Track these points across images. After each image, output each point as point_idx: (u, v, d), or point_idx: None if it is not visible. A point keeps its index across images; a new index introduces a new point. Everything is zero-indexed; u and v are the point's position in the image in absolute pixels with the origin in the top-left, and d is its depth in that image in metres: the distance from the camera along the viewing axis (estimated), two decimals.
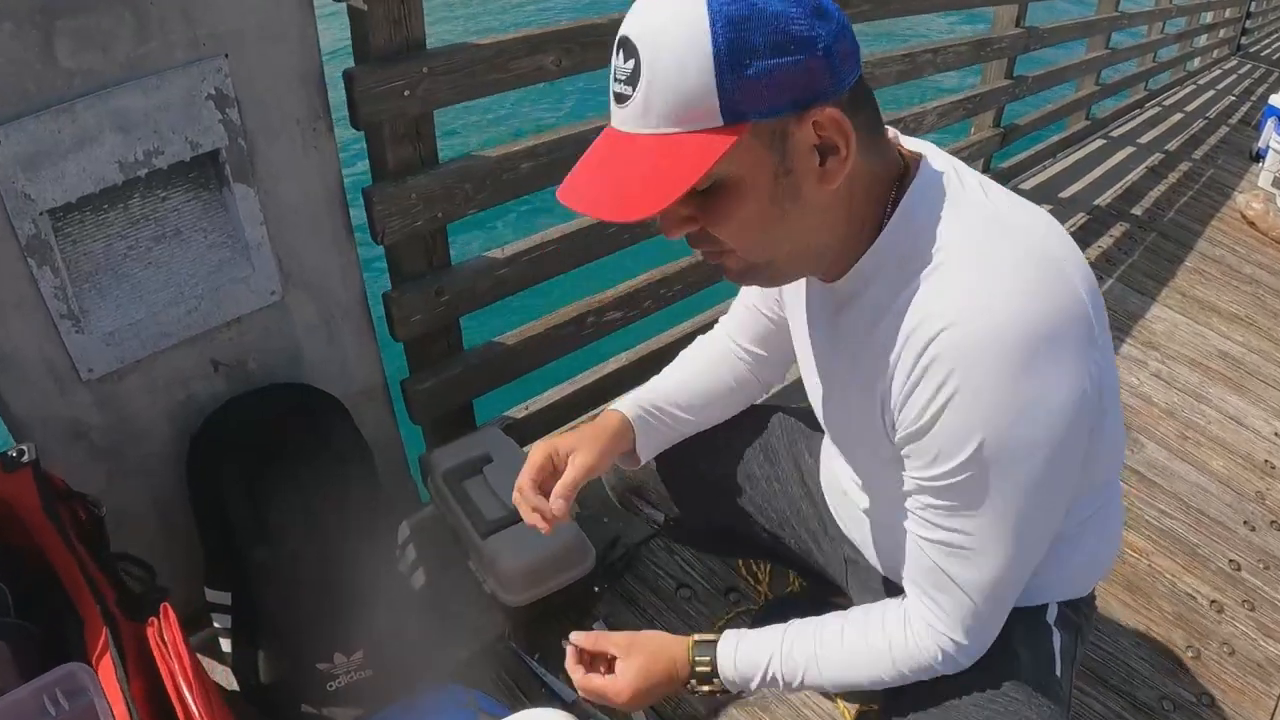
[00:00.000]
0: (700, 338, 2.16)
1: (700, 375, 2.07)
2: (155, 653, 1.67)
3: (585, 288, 3.37)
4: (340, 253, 2.41)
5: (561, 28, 2.73)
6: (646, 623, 2.64)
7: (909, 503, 1.54)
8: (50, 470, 1.89)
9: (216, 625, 2.31)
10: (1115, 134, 8.08)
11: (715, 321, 2.05)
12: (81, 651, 1.66)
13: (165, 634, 1.70)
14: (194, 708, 1.58)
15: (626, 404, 1.97)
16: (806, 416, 2.26)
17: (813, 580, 2.40)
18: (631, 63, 1.24)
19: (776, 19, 1.21)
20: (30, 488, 1.82)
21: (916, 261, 1.40)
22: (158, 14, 1.91)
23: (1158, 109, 9.37)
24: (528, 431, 3.21)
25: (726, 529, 2.31)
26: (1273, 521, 3.62)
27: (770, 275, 1.51)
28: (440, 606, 2.44)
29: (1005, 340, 1.30)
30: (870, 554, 1.98)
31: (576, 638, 1.80)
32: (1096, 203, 6.32)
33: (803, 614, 1.69)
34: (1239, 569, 3.33)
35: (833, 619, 1.70)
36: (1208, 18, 12.44)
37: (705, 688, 1.76)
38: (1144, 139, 8.11)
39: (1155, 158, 7.63)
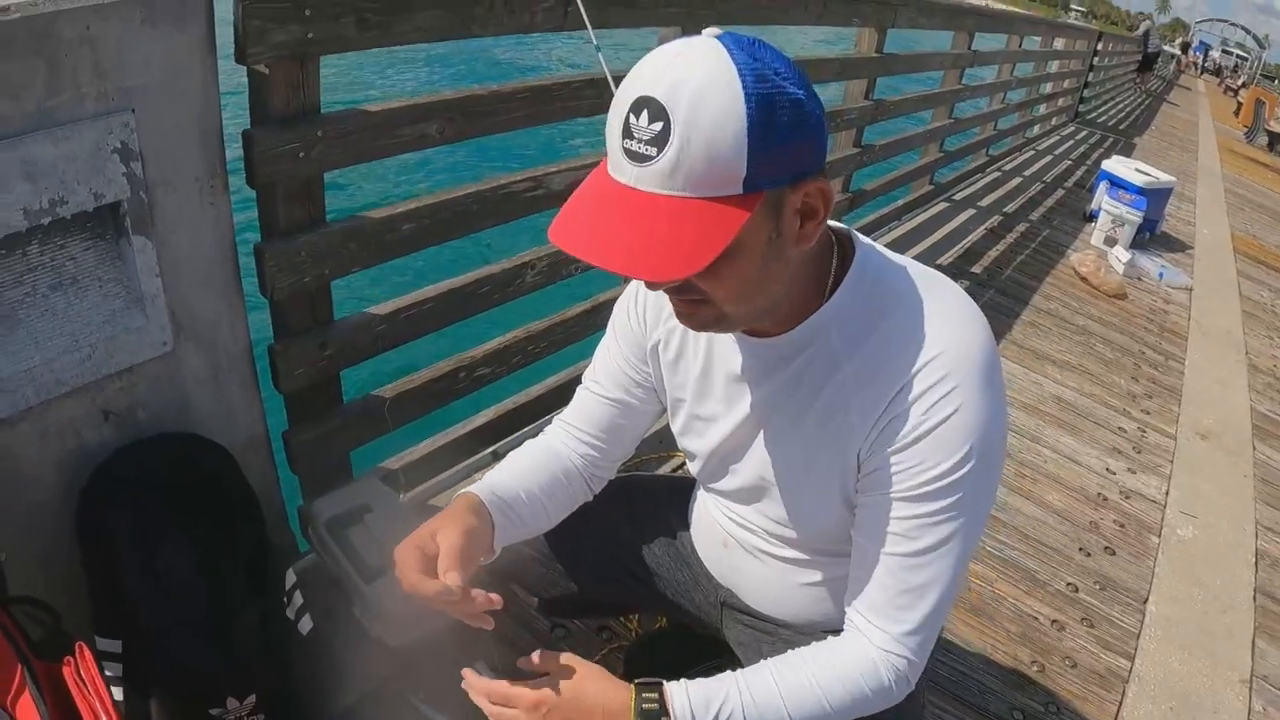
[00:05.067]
0: (528, 442, 2.12)
1: (535, 471, 2.01)
2: (74, 691, 1.63)
3: (458, 344, 3.43)
4: (230, 306, 2.41)
5: (446, 97, 2.81)
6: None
7: (872, 528, 1.62)
8: None
9: (108, 673, 2.20)
10: (958, 197, 8.43)
11: (578, 378, 2.09)
12: None
13: (83, 672, 1.66)
14: None
15: (476, 489, 1.91)
16: (660, 482, 2.44)
17: (674, 621, 2.50)
18: (659, 125, 1.27)
19: (795, 101, 1.30)
20: None
21: (875, 310, 1.58)
22: (70, 66, 1.91)
23: (998, 173, 9.78)
24: (404, 480, 3.23)
25: (602, 596, 2.37)
26: (1106, 547, 3.91)
27: (731, 325, 1.57)
28: (327, 652, 2.42)
29: (980, 362, 1.52)
30: (753, 597, 2.05)
31: (523, 661, 1.72)
32: (939, 262, 6.60)
33: (674, 648, 1.77)
34: (1077, 590, 3.57)
35: (788, 656, 1.70)
36: (1047, 88, 12.98)
37: None
38: (984, 202, 8.48)
39: (995, 219, 8.00)
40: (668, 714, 1.60)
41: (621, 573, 2.31)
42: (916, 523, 1.57)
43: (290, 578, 2.35)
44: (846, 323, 1.60)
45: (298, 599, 2.34)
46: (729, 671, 1.67)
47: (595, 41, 2.99)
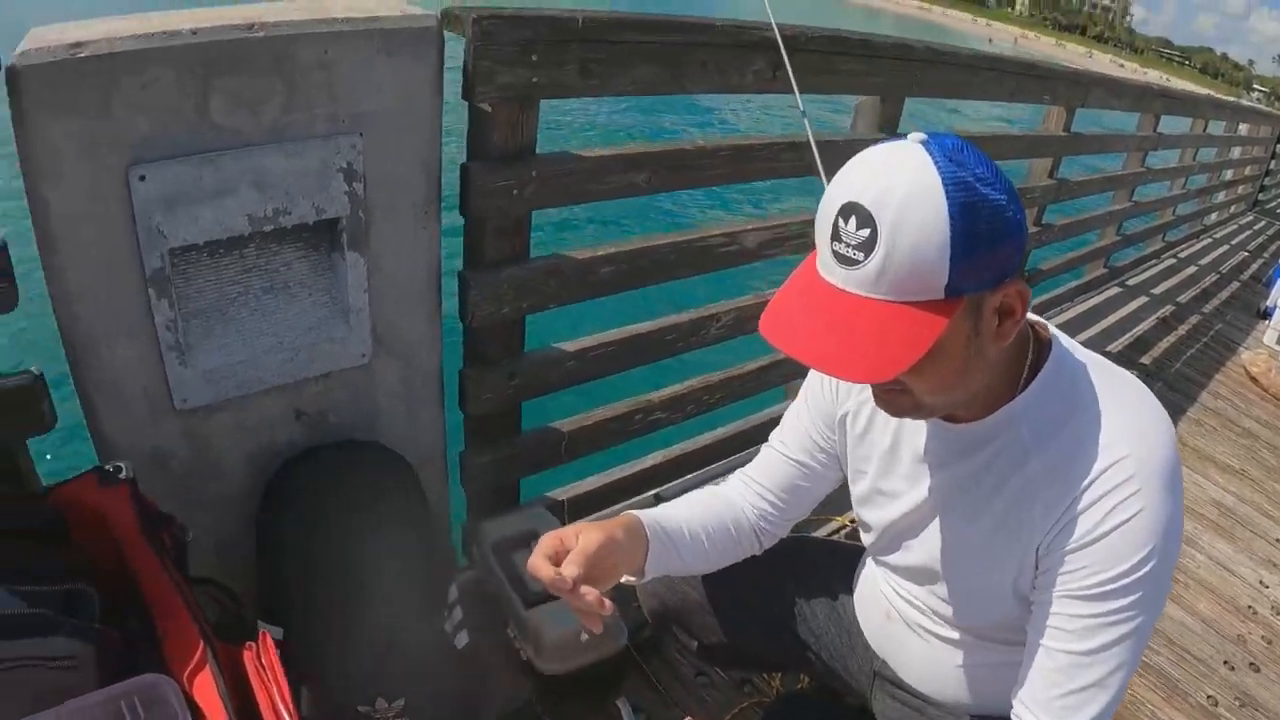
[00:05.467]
0: (709, 487, 2.14)
1: (705, 514, 2.03)
2: (253, 678, 1.69)
3: (635, 386, 3.48)
4: (429, 327, 2.49)
5: (654, 149, 2.88)
6: (664, 704, 2.66)
7: (1046, 623, 1.60)
8: None
9: None
10: (1131, 283, 8.18)
11: (747, 432, 2.09)
12: (158, 667, 1.65)
13: (264, 659, 1.72)
14: None
15: (641, 513, 1.93)
16: (829, 546, 2.43)
17: (822, 684, 2.47)
18: (866, 232, 1.31)
19: (996, 208, 1.33)
20: (125, 504, 1.86)
21: (1066, 406, 1.58)
22: (306, 88, 2.02)
23: (1173, 260, 9.44)
24: (567, 513, 3.25)
25: (756, 648, 2.35)
26: (1251, 663, 3.67)
27: (928, 414, 1.61)
28: (477, 668, 2.46)
29: (1165, 466, 1.51)
30: (908, 672, 2.03)
31: None
32: (1109, 349, 6.35)
33: (813, 712, 1.76)
34: (1216, 704, 3.37)
35: None
36: (1228, 174, 12.61)
37: None
38: (1158, 289, 8.20)
39: (1167, 309, 7.70)
40: None
41: (780, 628, 2.30)
42: (1092, 621, 1.55)
43: (453, 592, 2.38)
44: (1038, 416, 1.60)
45: (457, 613, 2.39)
46: None
47: (801, 107, 3.01)
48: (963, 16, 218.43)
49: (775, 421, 2.14)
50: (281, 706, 1.65)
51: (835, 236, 1.36)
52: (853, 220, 1.33)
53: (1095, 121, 7.51)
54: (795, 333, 1.42)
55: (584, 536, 1.70)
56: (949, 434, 1.72)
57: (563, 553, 1.67)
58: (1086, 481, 1.53)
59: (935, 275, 1.32)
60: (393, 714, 2.25)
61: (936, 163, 1.32)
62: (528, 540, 2.73)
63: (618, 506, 3.43)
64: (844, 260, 1.35)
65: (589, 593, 1.61)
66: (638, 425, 3.36)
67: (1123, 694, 1.58)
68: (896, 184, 1.31)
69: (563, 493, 3.33)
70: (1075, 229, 6.90)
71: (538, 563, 1.64)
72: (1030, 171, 6.00)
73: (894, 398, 1.54)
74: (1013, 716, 1.65)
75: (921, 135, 1.38)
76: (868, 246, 1.32)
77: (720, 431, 3.84)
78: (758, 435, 3.68)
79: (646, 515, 1.89)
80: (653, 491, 3.57)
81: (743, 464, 2.14)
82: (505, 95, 2.41)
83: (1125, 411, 1.57)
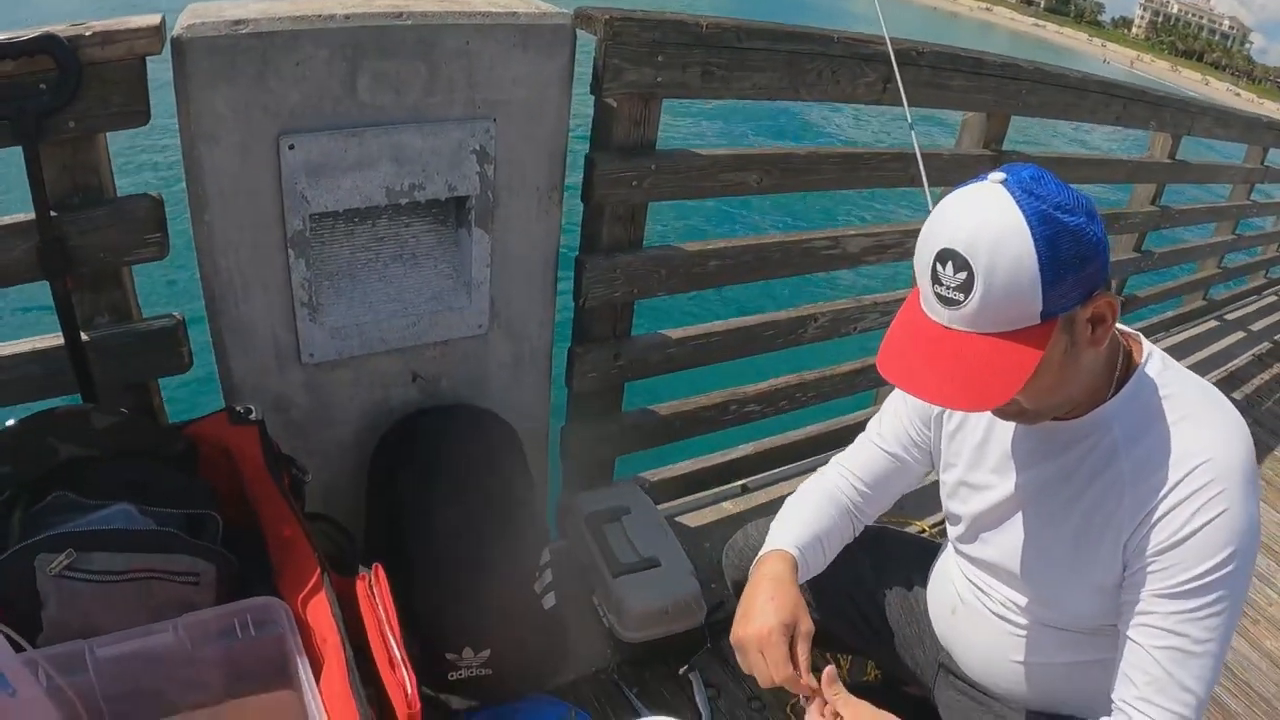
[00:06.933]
0: (809, 484, 2.22)
1: (825, 521, 2.10)
2: (363, 604, 1.79)
3: (731, 378, 3.53)
4: (543, 305, 2.57)
5: (767, 152, 2.95)
6: (734, 681, 2.71)
7: (1137, 621, 1.65)
8: None
9: None
10: (1229, 317, 8.00)
11: (836, 430, 2.13)
12: (270, 591, 1.75)
13: (375, 588, 1.82)
14: (397, 652, 1.71)
15: (789, 547, 2.01)
16: (907, 538, 2.48)
17: (888, 672, 2.54)
18: (963, 275, 1.43)
19: (1076, 232, 1.42)
20: (254, 443, 1.97)
21: (1156, 411, 1.65)
22: (446, 73, 2.10)
23: (1274, 297, 9.24)
24: (656, 494, 3.30)
25: (830, 631, 2.37)
26: None
27: (1032, 420, 1.69)
28: (561, 630, 2.51)
29: (1245, 471, 1.58)
30: (973, 665, 2.07)
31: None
32: None
33: (878, 700, 1.81)
34: None
35: None
36: None
37: None
38: (1256, 326, 7.92)
39: (1264, 346, 7.45)
40: None
41: (854, 614, 2.35)
42: (1181, 618, 1.61)
43: (545, 555, 2.46)
44: (1128, 419, 1.68)
45: (547, 576, 2.45)
46: None
47: (910, 120, 3.05)
48: (1078, 35, 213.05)
49: (862, 425, 2.21)
50: (389, 632, 1.75)
51: (935, 280, 1.48)
52: (949, 265, 1.45)
53: (1198, 152, 7.42)
54: (913, 374, 1.54)
55: (804, 624, 1.82)
56: (1041, 432, 1.79)
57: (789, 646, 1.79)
58: (1172, 484, 1.60)
59: (1030, 304, 1.43)
60: (478, 663, 2.33)
61: (1018, 200, 1.42)
62: (619, 515, 2.83)
63: (705, 494, 3.53)
64: (946, 302, 1.47)
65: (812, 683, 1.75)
66: (731, 415, 3.41)
67: (1213, 683, 1.64)
68: (984, 227, 1.42)
69: (653, 474, 3.41)
70: (1175, 258, 6.74)
71: (789, 676, 1.76)
72: (1133, 197, 5.92)
73: (1004, 409, 1.63)
74: (1115, 711, 1.69)
75: (1000, 175, 1.48)
76: (966, 288, 1.44)
77: (810, 429, 3.88)
78: (846, 436, 3.69)
79: (791, 549, 2.00)
80: (740, 481, 3.63)
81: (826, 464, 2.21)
82: (631, 92, 2.49)
83: (1209, 418, 1.64)
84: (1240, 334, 7.62)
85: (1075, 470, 1.75)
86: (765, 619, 1.81)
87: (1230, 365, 6.86)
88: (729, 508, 3.50)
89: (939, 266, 1.46)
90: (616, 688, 2.64)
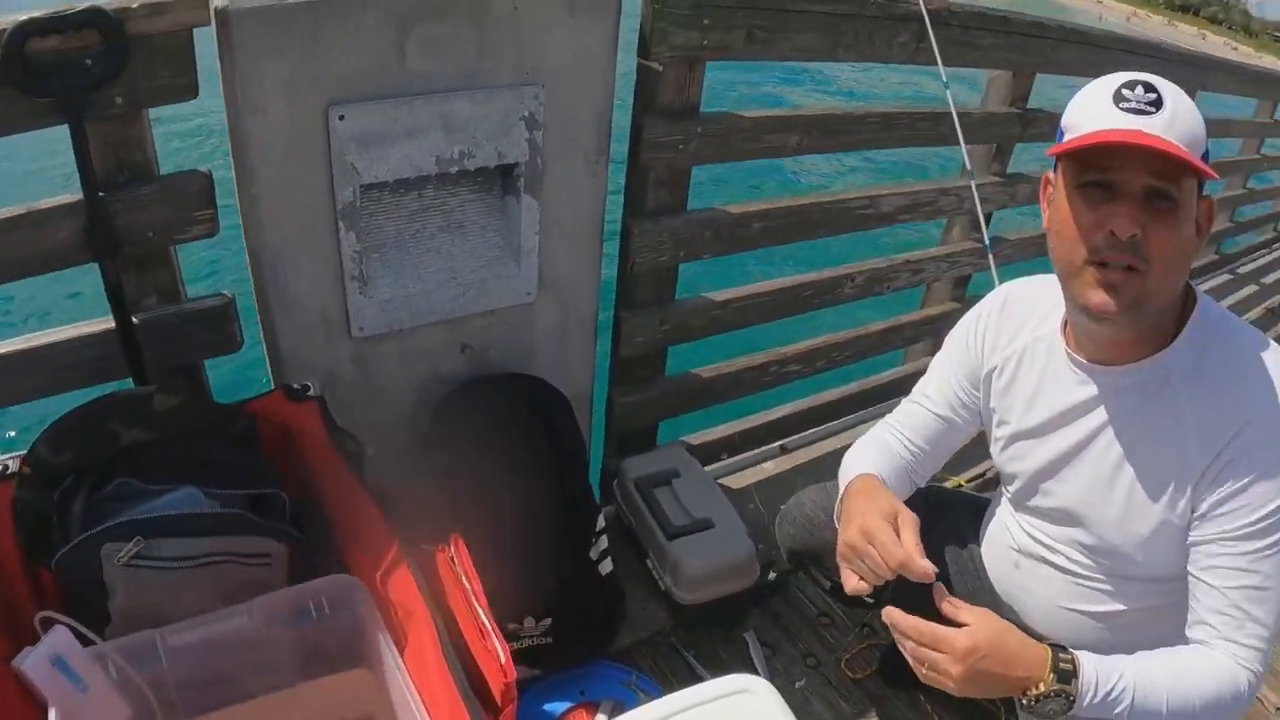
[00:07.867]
0: (864, 441, 2.18)
1: (883, 468, 2.06)
2: (444, 574, 1.77)
3: (773, 339, 3.50)
4: (590, 271, 2.52)
5: (807, 113, 2.93)
6: (788, 640, 2.69)
7: (1212, 561, 1.66)
8: None
9: None
10: (1241, 270, 7.98)
11: (870, 389, 2.11)
12: (339, 569, 1.71)
13: (456, 558, 1.80)
14: (486, 622, 1.69)
15: (867, 470, 2.01)
16: (958, 495, 2.47)
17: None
18: (1153, 95, 1.53)
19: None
20: (315, 418, 1.93)
21: (1216, 354, 1.68)
22: (495, 40, 2.04)
23: None
24: (698, 457, 3.22)
25: (888, 592, 2.41)
26: None
27: (1144, 307, 1.61)
28: (618, 595, 2.51)
29: None
30: (1034, 617, 2.03)
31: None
32: None
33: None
34: None
35: (1163, 658, 1.69)
36: None
37: (1046, 689, 1.61)
38: (1268, 279, 7.95)
39: (1276, 299, 7.47)
40: (1076, 675, 1.62)
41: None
42: (1254, 556, 1.62)
43: (600, 522, 2.43)
44: (1189, 362, 1.68)
45: (603, 543, 2.42)
46: (1121, 656, 1.67)
47: (945, 78, 3.02)
48: None
49: (895, 382, 2.19)
50: (476, 602, 1.73)
51: (1119, 99, 1.55)
52: (1138, 89, 1.54)
53: (1214, 106, 7.33)
54: (1123, 138, 1.52)
55: (904, 513, 1.79)
56: (1100, 375, 1.77)
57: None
58: (1242, 424, 1.60)
59: (1201, 139, 1.54)
60: (539, 632, 2.31)
61: None
62: (669, 478, 2.79)
63: (746, 455, 3.48)
64: (1137, 112, 1.53)
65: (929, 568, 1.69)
66: (771, 376, 3.39)
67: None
68: (1169, 83, 1.56)
69: (696, 438, 3.37)
70: None
71: (906, 558, 1.70)
72: None
73: (1126, 280, 1.58)
74: (1197, 644, 1.68)
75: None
76: (1156, 104, 1.52)
77: (846, 388, 3.86)
78: (880, 393, 3.73)
79: (878, 475, 2.00)
80: (779, 442, 3.58)
81: (864, 421, 2.18)
82: (676, 55, 2.44)
83: (1266, 361, 1.65)
84: (1253, 287, 7.57)
85: (1135, 414, 1.74)
86: (864, 515, 1.78)
87: (1243, 319, 6.75)
88: (770, 468, 3.45)
89: (1125, 90, 1.54)
90: (674, 650, 2.60)
